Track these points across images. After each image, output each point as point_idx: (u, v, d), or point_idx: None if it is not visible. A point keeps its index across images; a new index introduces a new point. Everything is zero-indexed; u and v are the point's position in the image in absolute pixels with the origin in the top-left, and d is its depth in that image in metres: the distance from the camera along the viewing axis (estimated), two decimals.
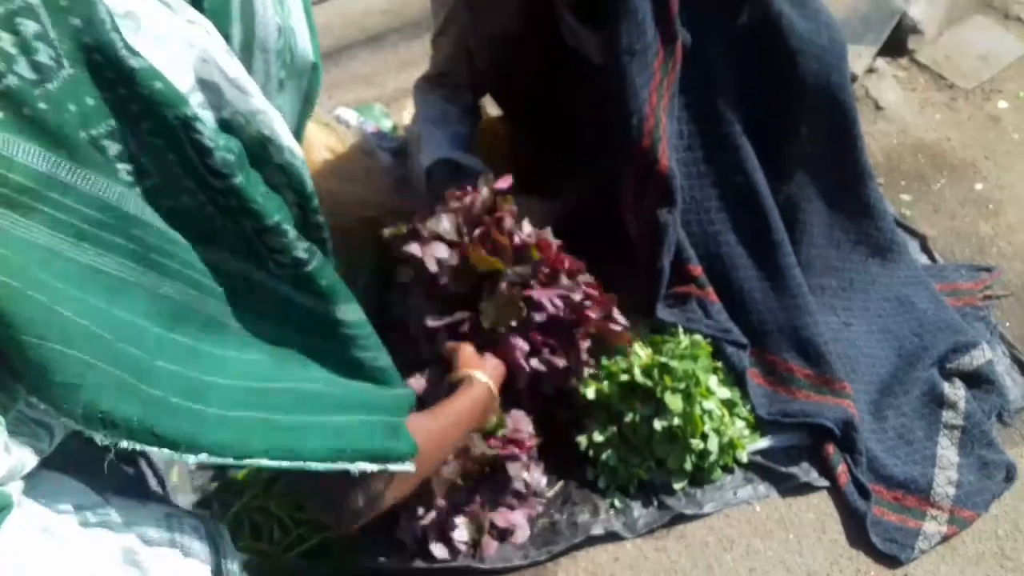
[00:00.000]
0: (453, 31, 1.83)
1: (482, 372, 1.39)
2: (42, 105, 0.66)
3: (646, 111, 1.61)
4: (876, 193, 1.94)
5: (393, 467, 0.91)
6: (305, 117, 0.95)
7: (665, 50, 1.60)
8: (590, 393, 1.69)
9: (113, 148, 0.71)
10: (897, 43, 2.58)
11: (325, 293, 0.85)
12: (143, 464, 0.94)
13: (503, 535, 1.65)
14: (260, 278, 0.81)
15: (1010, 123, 2.42)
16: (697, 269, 1.78)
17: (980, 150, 2.35)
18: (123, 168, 0.71)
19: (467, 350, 1.45)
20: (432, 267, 1.49)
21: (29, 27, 0.65)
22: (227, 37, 0.80)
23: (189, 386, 0.74)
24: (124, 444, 0.69)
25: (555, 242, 1.55)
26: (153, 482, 0.97)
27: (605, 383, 1.69)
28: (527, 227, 1.54)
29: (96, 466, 0.76)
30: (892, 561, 1.66)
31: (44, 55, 0.66)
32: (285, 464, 0.80)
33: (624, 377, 1.68)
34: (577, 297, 1.53)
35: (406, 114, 2.03)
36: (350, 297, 0.88)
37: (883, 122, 2.43)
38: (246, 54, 0.82)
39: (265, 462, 0.79)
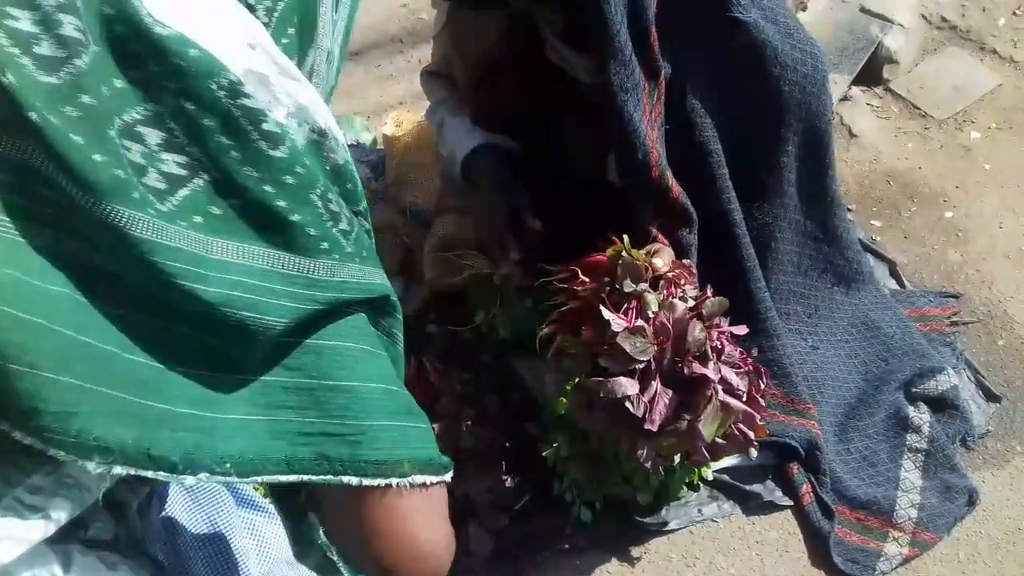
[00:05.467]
0: (445, 35, 1.84)
1: None
2: (36, 115, 0.56)
3: (648, 145, 1.61)
4: (845, 223, 1.97)
5: (448, 476, 0.76)
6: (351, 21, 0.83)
7: (650, 84, 1.62)
8: (559, 409, 1.71)
9: (153, 136, 0.61)
10: (872, 72, 2.62)
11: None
12: (136, 519, 0.86)
13: (468, 548, 1.66)
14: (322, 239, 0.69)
15: (981, 153, 2.46)
16: None
17: (951, 179, 2.39)
18: (170, 159, 0.62)
19: None
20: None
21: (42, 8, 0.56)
22: None
23: (203, 392, 0.65)
24: (119, 470, 0.61)
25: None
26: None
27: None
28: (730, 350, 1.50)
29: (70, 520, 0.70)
30: None
31: (46, 47, 0.57)
32: (315, 479, 0.68)
33: None
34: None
35: (385, 128, 2.05)
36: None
37: (856, 149, 2.47)
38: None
39: (284, 477, 0.67)
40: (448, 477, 0.76)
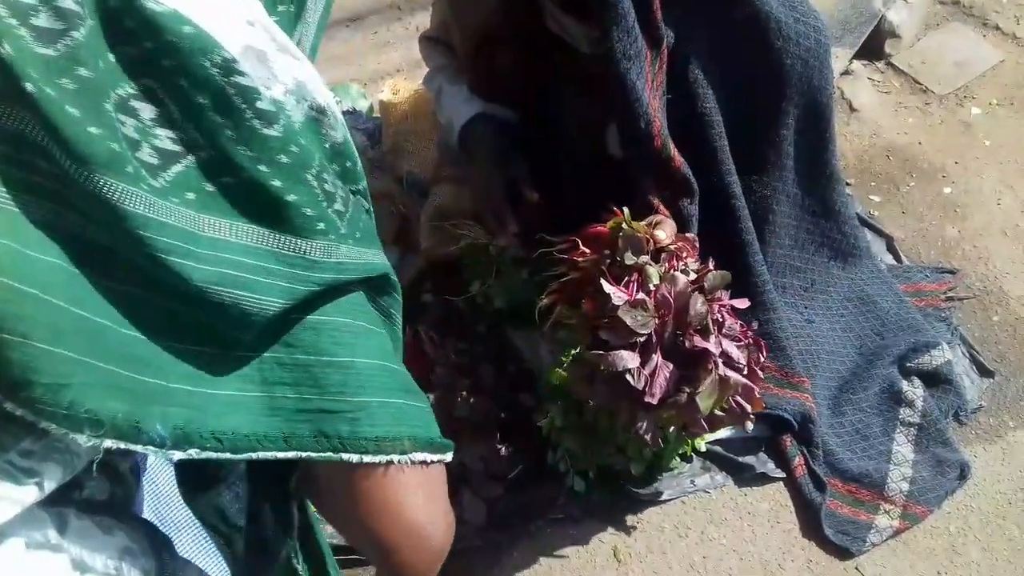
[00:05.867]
0: (444, 1, 1.83)
1: None
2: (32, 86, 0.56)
3: (651, 114, 1.58)
4: (843, 197, 1.96)
5: (448, 456, 0.77)
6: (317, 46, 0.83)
7: (652, 53, 1.60)
8: (553, 380, 1.71)
9: (147, 111, 0.61)
10: (874, 46, 2.60)
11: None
12: (130, 479, 0.85)
13: (462, 517, 1.67)
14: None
15: (981, 130, 2.45)
16: None
17: (950, 155, 2.38)
18: (164, 135, 0.62)
19: None
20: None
21: None
22: None
23: (195, 367, 0.65)
24: (109, 443, 0.61)
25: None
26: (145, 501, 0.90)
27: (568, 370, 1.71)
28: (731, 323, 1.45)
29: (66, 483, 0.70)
30: (843, 553, 1.69)
31: (45, 18, 0.56)
32: (314, 456, 0.68)
33: None
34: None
35: (381, 95, 2.04)
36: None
37: (856, 124, 2.46)
38: None
39: (281, 454, 0.67)
40: (448, 457, 0.76)
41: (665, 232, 1.46)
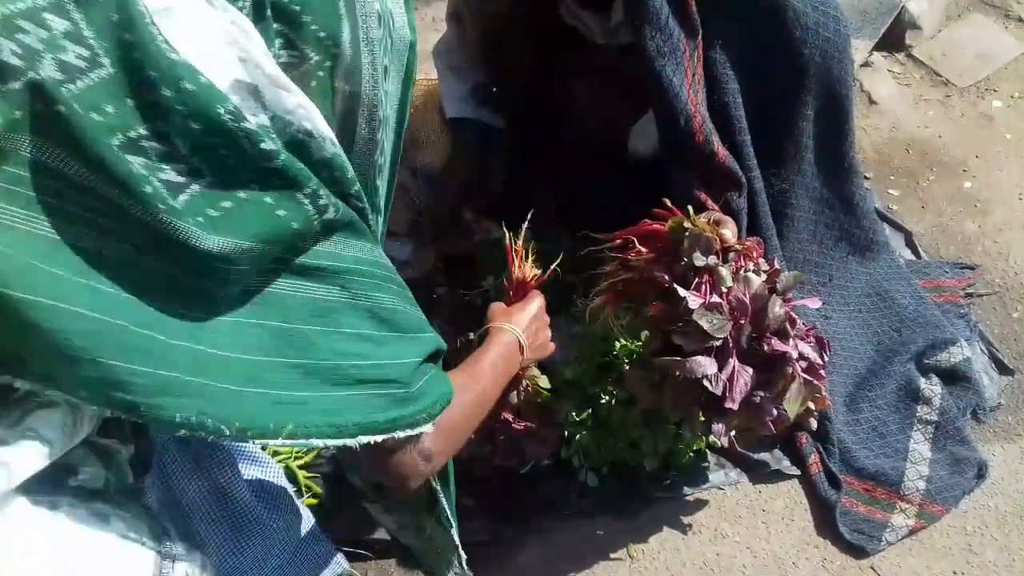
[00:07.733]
0: None
1: (509, 323, 1.29)
2: (65, 108, 0.63)
3: (691, 109, 1.56)
4: (861, 191, 1.94)
5: (401, 434, 0.88)
6: (408, 96, 0.94)
7: (690, 46, 1.57)
8: (567, 374, 1.70)
9: (155, 149, 0.69)
10: (895, 38, 2.57)
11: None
12: (122, 460, 0.90)
13: (474, 510, 1.66)
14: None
15: (1003, 123, 2.41)
16: None
17: (971, 148, 2.35)
18: (171, 168, 0.69)
19: (498, 307, 1.36)
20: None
21: (57, 24, 0.63)
22: (337, 40, 0.79)
23: (195, 360, 0.73)
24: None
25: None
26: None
27: (582, 365, 1.70)
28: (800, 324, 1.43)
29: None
30: (859, 552, 1.67)
31: (72, 54, 0.64)
32: (288, 443, 0.79)
33: (601, 360, 1.69)
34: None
35: None
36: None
37: (876, 116, 2.43)
38: (355, 51, 0.80)
39: (271, 441, 0.78)
40: (405, 433, 0.88)
41: (730, 230, 1.40)
